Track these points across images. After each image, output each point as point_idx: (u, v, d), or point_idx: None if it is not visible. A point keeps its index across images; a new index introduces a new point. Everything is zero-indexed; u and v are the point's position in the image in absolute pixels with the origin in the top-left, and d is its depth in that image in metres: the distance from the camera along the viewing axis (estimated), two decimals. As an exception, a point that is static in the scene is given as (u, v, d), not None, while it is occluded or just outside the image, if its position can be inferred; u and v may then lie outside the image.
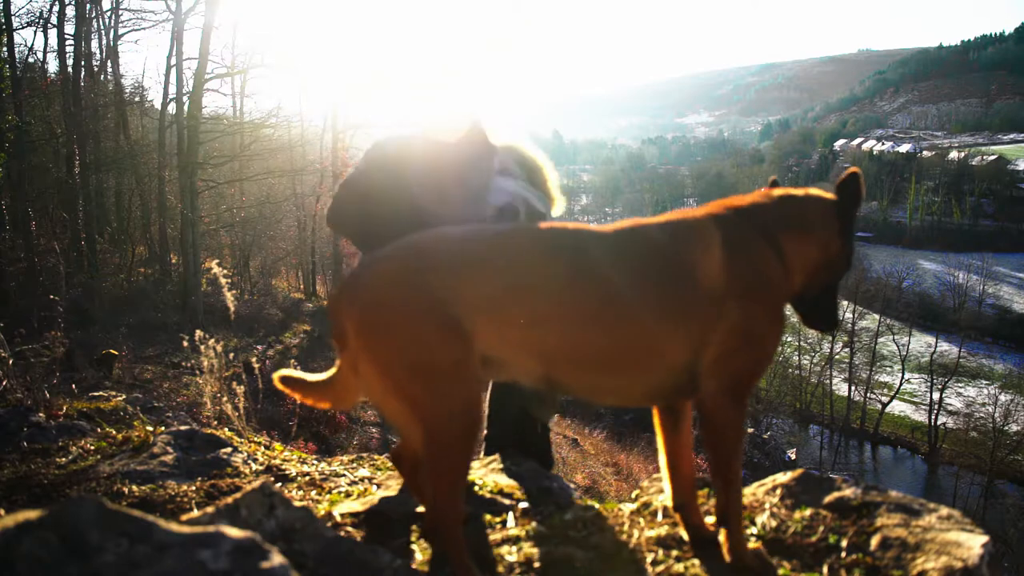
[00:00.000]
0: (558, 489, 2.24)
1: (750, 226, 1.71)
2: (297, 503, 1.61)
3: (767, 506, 1.87)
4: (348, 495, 2.25)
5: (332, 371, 1.78)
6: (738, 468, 1.67)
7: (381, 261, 1.63)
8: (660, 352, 1.62)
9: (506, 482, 2.26)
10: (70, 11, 19.11)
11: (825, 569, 1.60)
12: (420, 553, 1.79)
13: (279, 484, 2.39)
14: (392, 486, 2.26)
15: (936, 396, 33.61)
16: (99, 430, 2.86)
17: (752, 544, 1.71)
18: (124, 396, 4.23)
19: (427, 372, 1.54)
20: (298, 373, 1.87)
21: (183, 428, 2.80)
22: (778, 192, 1.82)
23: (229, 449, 2.62)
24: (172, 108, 19.26)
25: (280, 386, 1.86)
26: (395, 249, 1.64)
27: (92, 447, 2.66)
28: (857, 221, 1.87)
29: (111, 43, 21.74)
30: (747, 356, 1.65)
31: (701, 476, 2.06)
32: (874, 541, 1.64)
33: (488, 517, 1.99)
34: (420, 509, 1.95)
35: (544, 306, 1.60)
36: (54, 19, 19.01)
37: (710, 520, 1.82)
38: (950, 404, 34.20)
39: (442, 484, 1.59)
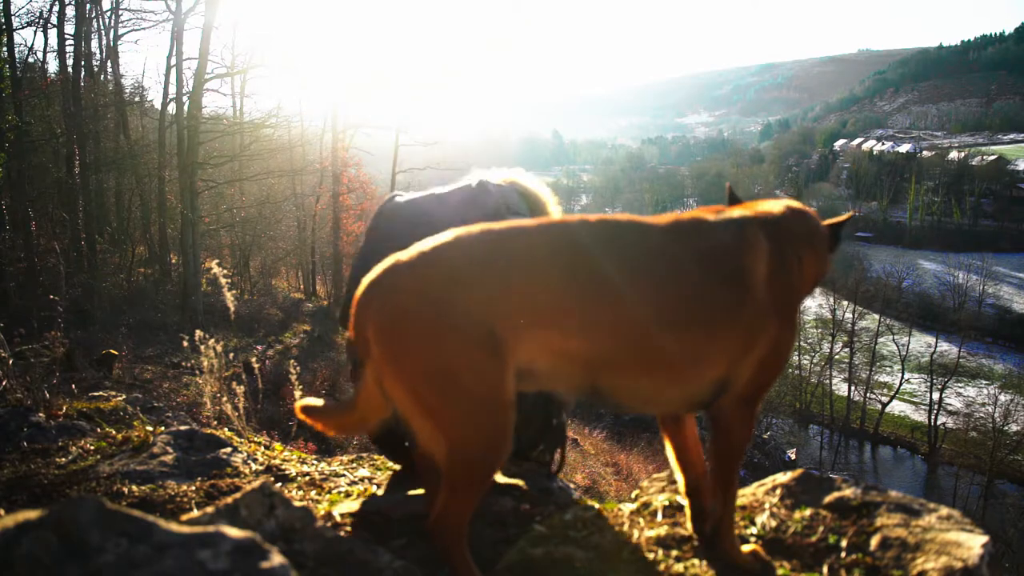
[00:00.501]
0: (558, 489, 2.24)
1: (787, 239, 1.71)
2: (297, 503, 1.60)
3: (767, 506, 1.87)
4: (348, 495, 2.25)
5: (354, 393, 1.65)
6: (738, 472, 1.69)
7: (403, 265, 1.48)
8: (711, 360, 1.57)
9: (506, 482, 2.26)
10: (70, 11, 19.20)
11: (825, 569, 1.60)
12: (420, 553, 1.78)
13: (279, 484, 2.39)
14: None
15: (936, 396, 33.64)
16: (99, 430, 2.86)
17: (752, 544, 1.71)
18: (124, 396, 4.22)
19: (452, 386, 1.42)
20: (319, 402, 1.73)
21: (183, 428, 2.79)
22: (796, 205, 1.84)
23: (229, 449, 2.62)
24: (172, 108, 19.32)
25: (302, 417, 1.70)
26: (418, 253, 1.49)
27: (92, 447, 2.65)
28: (854, 222, 2.01)
29: (111, 43, 21.81)
30: (772, 368, 1.65)
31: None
32: (874, 541, 1.64)
33: (488, 517, 1.99)
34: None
35: (593, 309, 1.48)
36: (54, 19, 19.08)
37: None
38: (950, 404, 34.22)
39: (458, 501, 1.51)
